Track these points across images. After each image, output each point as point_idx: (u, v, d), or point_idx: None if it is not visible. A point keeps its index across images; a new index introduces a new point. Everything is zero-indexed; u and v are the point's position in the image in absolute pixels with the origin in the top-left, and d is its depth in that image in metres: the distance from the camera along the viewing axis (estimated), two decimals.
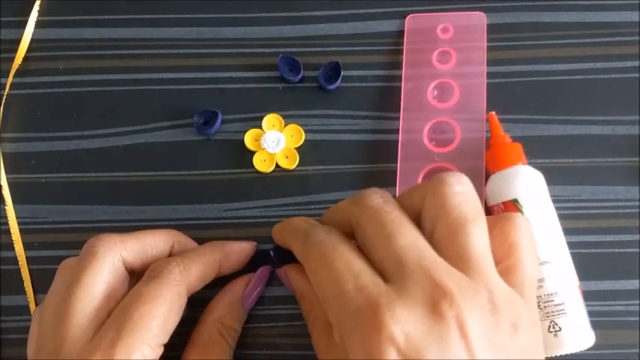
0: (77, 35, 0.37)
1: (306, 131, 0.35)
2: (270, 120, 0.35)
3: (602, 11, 0.37)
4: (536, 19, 0.37)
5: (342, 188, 0.34)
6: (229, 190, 0.34)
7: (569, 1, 0.37)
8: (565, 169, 0.34)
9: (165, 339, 0.27)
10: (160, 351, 0.26)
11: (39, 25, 0.37)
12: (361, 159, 0.35)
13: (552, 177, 0.34)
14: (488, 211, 0.32)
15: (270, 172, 0.35)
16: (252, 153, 0.35)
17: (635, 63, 0.36)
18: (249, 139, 0.35)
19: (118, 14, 0.37)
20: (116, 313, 0.26)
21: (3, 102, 0.36)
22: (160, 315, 0.26)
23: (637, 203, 0.34)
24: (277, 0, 0.37)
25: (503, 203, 0.31)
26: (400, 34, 0.37)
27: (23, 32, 0.37)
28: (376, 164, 0.35)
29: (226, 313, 0.30)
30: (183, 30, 0.37)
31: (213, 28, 0.37)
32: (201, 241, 0.33)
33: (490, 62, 0.36)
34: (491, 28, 0.37)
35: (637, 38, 0.36)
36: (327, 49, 0.36)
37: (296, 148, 0.35)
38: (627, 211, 0.34)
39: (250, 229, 0.34)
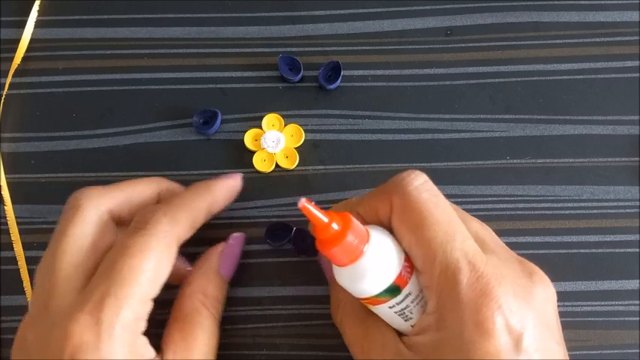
0: (77, 35, 0.37)
1: (306, 131, 0.35)
2: (270, 120, 0.35)
3: (603, 11, 0.37)
4: (536, 19, 0.37)
5: (342, 188, 0.34)
6: None
7: (569, 1, 0.37)
8: (565, 169, 0.35)
9: (155, 293, 0.26)
10: (149, 305, 0.26)
11: (38, 24, 0.37)
12: (361, 159, 0.35)
13: (552, 177, 0.34)
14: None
15: (270, 172, 0.35)
16: (252, 153, 0.35)
17: (636, 63, 0.36)
18: (248, 138, 0.35)
19: (117, 14, 0.37)
20: (104, 266, 0.25)
21: (2, 102, 0.36)
22: (149, 268, 0.25)
23: (637, 203, 0.34)
24: (277, 0, 0.37)
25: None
26: (400, 33, 0.37)
27: (23, 32, 0.37)
28: (376, 164, 0.35)
29: (204, 283, 0.29)
30: (183, 30, 0.37)
31: (213, 28, 0.37)
32: (201, 242, 0.33)
33: (490, 62, 0.36)
34: (491, 28, 0.37)
35: (637, 38, 0.36)
36: (327, 49, 0.36)
37: (296, 148, 0.35)
38: (627, 211, 0.34)
39: (250, 229, 0.34)
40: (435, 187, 0.26)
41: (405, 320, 0.26)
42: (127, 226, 0.28)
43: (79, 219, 0.26)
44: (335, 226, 0.24)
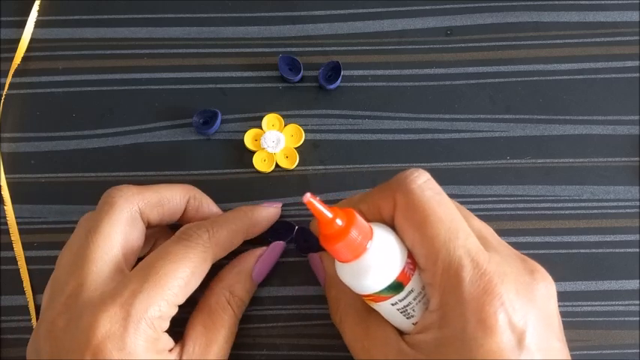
0: (77, 35, 0.37)
1: (306, 131, 0.35)
2: (270, 120, 0.35)
3: (603, 11, 0.37)
4: (536, 19, 0.37)
5: (342, 188, 0.34)
6: (229, 190, 0.34)
7: (569, 1, 0.37)
8: (565, 169, 0.35)
9: (182, 300, 0.27)
10: (174, 310, 0.27)
11: (38, 24, 0.37)
12: (361, 159, 0.35)
13: (552, 177, 0.34)
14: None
15: (270, 172, 0.35)
16: (252, 153, 0.35)
17: (636, 63, 0.36)
18: (248, 138, 0.35)
19: (117, 14, 0.37)
20: (142, 265, 0.27)
21: (2, 102, 0.36)
22: (183, 276, 0.26)
23: (637, 203, 0.34)
24: (277, 0, 0.37)
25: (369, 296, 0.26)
26: (400, 33, 0.37)
27: (23, 32, 0.37)
28: (376, 164, 0.35)
29: (235, 282, 0.30)
30: (183, 30, 0.37)
31: (213, 28, 0.37)
32: None
33: (490, 62, 0.36)
34: (491, 28, 0.37)
35: (637, 38, 0.36)
36: (327, 48, 0.36)
37: (296, 148, 0.35)
38: (627, 211, 0.34)
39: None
40: (437, 186, 0.26)
41: (407, 318, 0.26)
42: (153, 227, 0.30)
43: (114, 216, 0.28)
44: (339, 221, 0.24)
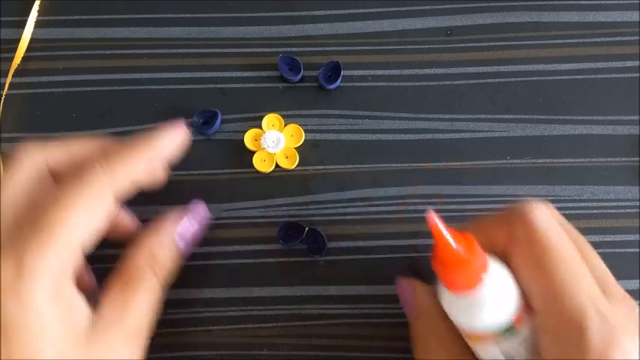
0: (77, 35, 0.37)
1: (305, 131, 0.35)
2: (270, 120, 0.35)
3: (603, 11, 0.37)
4: (536, 19, 0.37)
5: (342, 188, 0.34)
6: (229, 190, 0.34)
7: (569, 1, 0.37)
8: (565, 169, 0.35)
9: (85, 244, 0.24)
10: (78, 255, 0.24)
11: (38, 24, 0.37)
12: (361, 159, 0.35)
13: (552, 177, 0.34)
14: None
15: (270, 172, 0.35)
16: (252, 153, 0.35)
17: (636, 63, 0.36)
18: (248, 139, 0.35)
19: (117, 14, 0.37)
20: (32, 213, 0.24)
21: (2, 102, 0.36)
22: (79, 217, 0.24)
23: (637, 203, 0.34)
24: (277, 0, 0.37)
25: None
26: (400, 33, 0.37)
27: (23, 32, 0.37)
28: (376, 164, 0.35)
29: (155, 244, 0.27)
30: (183, 30, 0.37)
31: (213, 28, 0.37)
32: (201, 242, 0.33)
33: (490, 62, 0.36)
34: (491, 28, 0.37)
35: (637, 38, 0.36)
36: (327, 48, 0.36)
37: (296, 148, 0.35)
38: (627, 211, 0.34)
39: (250, 229, 0.34)
40: (562, 219, 0.24)
41: None
42: None
43: (15, 172, 0.26)
44: (458, 247, 0.22)
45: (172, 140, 0.28)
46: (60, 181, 0.27)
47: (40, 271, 0.22)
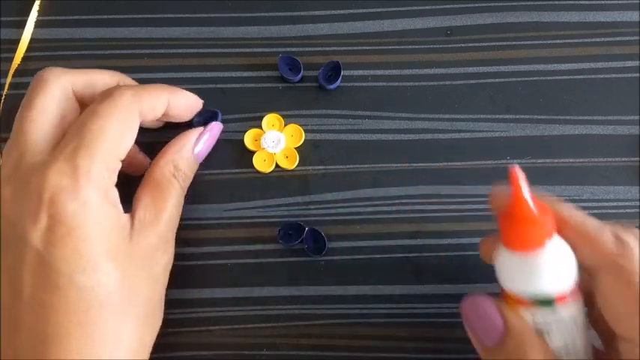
0: (77, 35, 0.37)
1: (306, 131, 0.35)
2: (270, 120, 0.35)
3: (603, 11, 0.37)
4: (536, 19, 0.37)
5: (342, 188, 0.34)
6: (229, 190, 0.34)
7: (569, 1, 0.37)
8: (565, 169, 0.35)
9: (121, 153, 0.28)
10: (118, 165, 0.28)
11: (38, 24, 0.37)
12: (361, 159, 0.35)
13: (552, 177, 0.34)
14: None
15: (270, 172, 0.35)
16: (252, 153, 0.35)
17: (636, 63, 0.36)
18: (248, 138, 0.35)
19: (117, 14, 0.37)
20: (74, 127, 0.27)
21: (2, 102, 0.36)
22: (115, 128, 0.27)
23: (637, 203, 0.34)
24: (277, 0, 0.37)
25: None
26: (400, 33, 0.37)
27: (23, 32, 0.37)
28: (376, 164, 0.35)
29: (178, 157, 0.31)
30: (183, 30, 0.37)
31: (213, 28, 0.37)
32: (201, 242, 0.33)
33: (490, 62, 0.36)
34: (491, 28, 0.37)
35: (637, 38, 0.36)
36: (327, 48, 0.36)
37: (296, 148, 0.35)
38: (627, 211, 0.34)
39: (250, 229, 0.34)
40: None
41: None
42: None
43: (46, 91, 0.28)
44: (533, 206, 0.23)
45: (187, 99, 0.33)
46: (85, 103, 0.30)
47: (93, 173, 0.26)
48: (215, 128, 0.33)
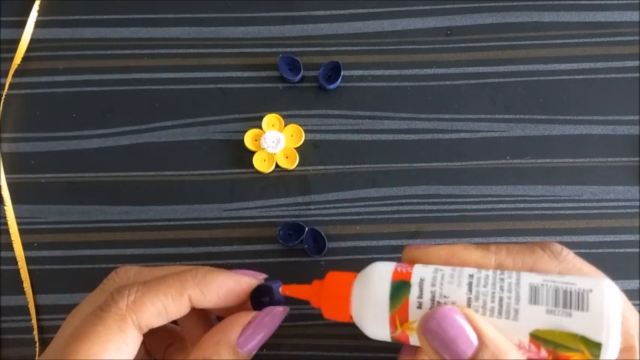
0: (77, 35, 0.37)
1: (305, 131, 0.35)
2: (270, 120, 0.35)
3: (603, 11, 0.37)
4: (536, 19, 0.37)
5: (342, 188, 0.34)
6: (229, 190, 0.34)
7: (569, 1, 0.37)
8: (565, 169, 0.35)
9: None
10: None
11: (38, 24, 0.37)
12: (361, 159, 0.35)
13: (552, 177, 0.34)
14: None
15: (270, 172, 0.35)
16: (252, 153, 0.35)
17: (635, 63, 0.36)
18: (249, 139, 0.35)
19: (117, 14, 0.37)
20: (58, 347, 0.24)
21: (2, 102, 0.36)
22: (93, 353, 0.23)
23: (637, 203, 0.34)
24: (277, 0, 0.37)
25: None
26: (400, 33, 0.37)
27: (23, 32, 0.37)
28: (376, 164, 0.35)
29: (214, 355, 0.24)
30: (183, 30, 0.37)
31: (213, 28, 0.37)
32: (201, 242, 0.33)
33: (490, 62, 0.36)
34: (491, 28, 0.37)
35: (637, 38, 0.36)
36: (327, 49, 0.36)
37: (296, 148, 0.35)
38: (627, 211, 0.34)
39: (250, 229, 0.34)
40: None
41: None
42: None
43: (101, 329, 0.24)
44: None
45: (223, 286, 0.25)
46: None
47: None
48: (273, 315, 0.26)
